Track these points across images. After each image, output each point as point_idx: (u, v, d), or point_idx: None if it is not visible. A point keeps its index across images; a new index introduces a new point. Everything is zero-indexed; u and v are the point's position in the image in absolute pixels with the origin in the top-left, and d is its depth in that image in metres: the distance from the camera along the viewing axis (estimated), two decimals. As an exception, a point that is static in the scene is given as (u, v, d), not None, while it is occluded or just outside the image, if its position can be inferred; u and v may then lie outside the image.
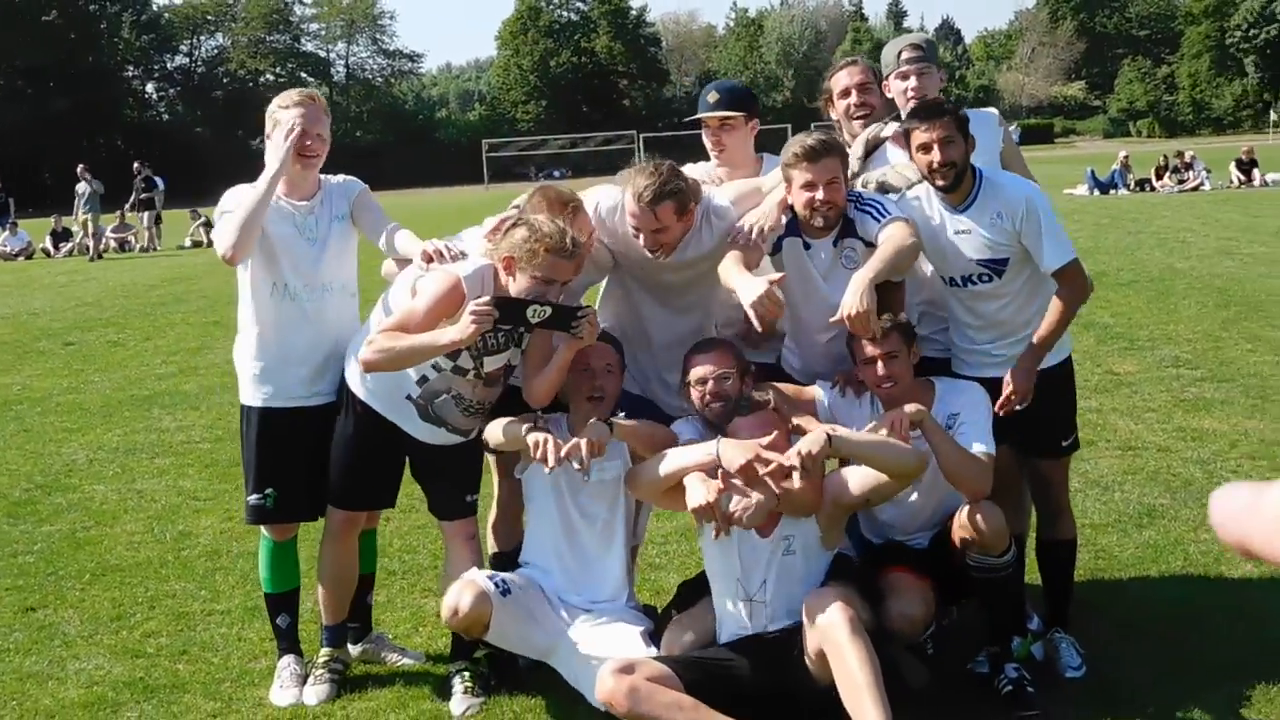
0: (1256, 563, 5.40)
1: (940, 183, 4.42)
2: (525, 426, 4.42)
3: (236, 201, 4.60)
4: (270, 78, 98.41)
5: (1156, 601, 5.20)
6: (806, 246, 4.60)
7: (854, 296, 4.16)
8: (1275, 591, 5.20)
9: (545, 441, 4.30)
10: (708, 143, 5.02)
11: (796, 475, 4.03)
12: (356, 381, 4.62)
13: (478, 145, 72.25)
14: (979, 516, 4.22)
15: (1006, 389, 4.42)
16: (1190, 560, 5.58)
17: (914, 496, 4.54)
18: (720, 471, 4.18)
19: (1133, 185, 33.14)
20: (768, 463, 4.06)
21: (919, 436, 4.28)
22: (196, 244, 31.40)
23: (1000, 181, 4.51)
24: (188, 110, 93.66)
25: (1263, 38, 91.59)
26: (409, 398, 4.55)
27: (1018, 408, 4.43)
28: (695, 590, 4.73)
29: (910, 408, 4.28)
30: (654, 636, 4.54)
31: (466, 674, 4.64)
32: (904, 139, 4.52)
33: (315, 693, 4.69)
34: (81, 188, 29.27)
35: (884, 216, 4.48)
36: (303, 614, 5.11)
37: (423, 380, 4.52)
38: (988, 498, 4.30)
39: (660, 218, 4.50)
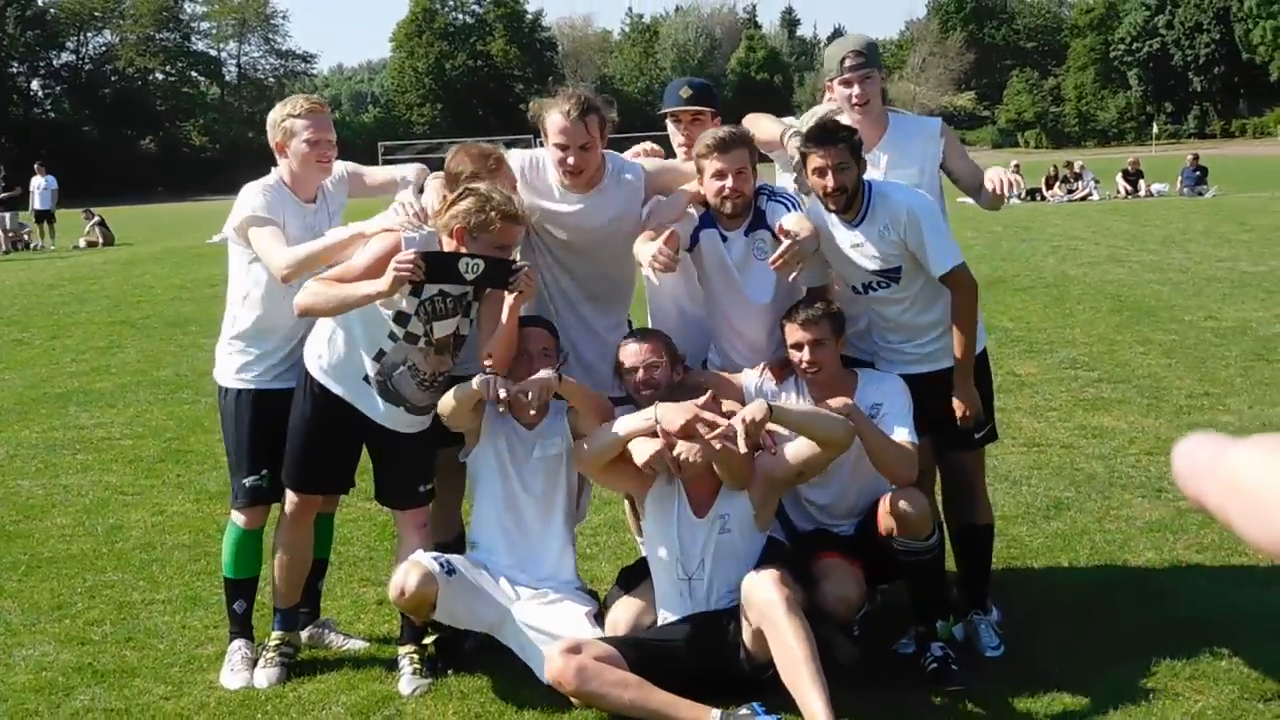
0: (1157, 549, 5.80)
1: (832, 206, 4.65)
2: (475, 378, 4.57)
3: (262, 206, 4.70)
4: (160, 76, 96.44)
5: (1066, 586, 5.52)
6: (723, 239, 4.84)
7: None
8: (1175, 575, 5.56)
9: (493, 380, 4.49)
10: (677, 136, 5.18)
11: (741, 441, 4.24)
12: (314, 364, 4.75)
13: (373, 147, 71.56)
14: (904, 503, 4.48)
15: (957, 410, 4.70)
16: (1096, 549, 5.92)
17: (843, 480, 4.80)
18: (661, 433, 4.39)
19: (1023, 194, 34.07)
20: (708, 424, 4.28)
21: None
22: (91, 244, 30.79)
23: (887, 193, 4.71)
24: (75, 108, 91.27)
25: (1145, 51, 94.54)
26: (367, 378, 4.68)
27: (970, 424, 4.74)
28: (635, 575, 4.95)
29: (837, 402, 4.53)
30: (598, 618, 4.73)
31: (415, 656, 4.78)
32: (802, 160, 4.67)
33: (265, 675, 4.79)
34: None
35: (795, 209, 4.74)
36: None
37: (379, 355, 4.65)
38: (912, 484, 4.58)
39: (589, 129, 4.70)
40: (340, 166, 5.08)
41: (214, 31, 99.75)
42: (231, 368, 4.96)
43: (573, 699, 4.30)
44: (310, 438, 4.77)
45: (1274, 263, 16.57)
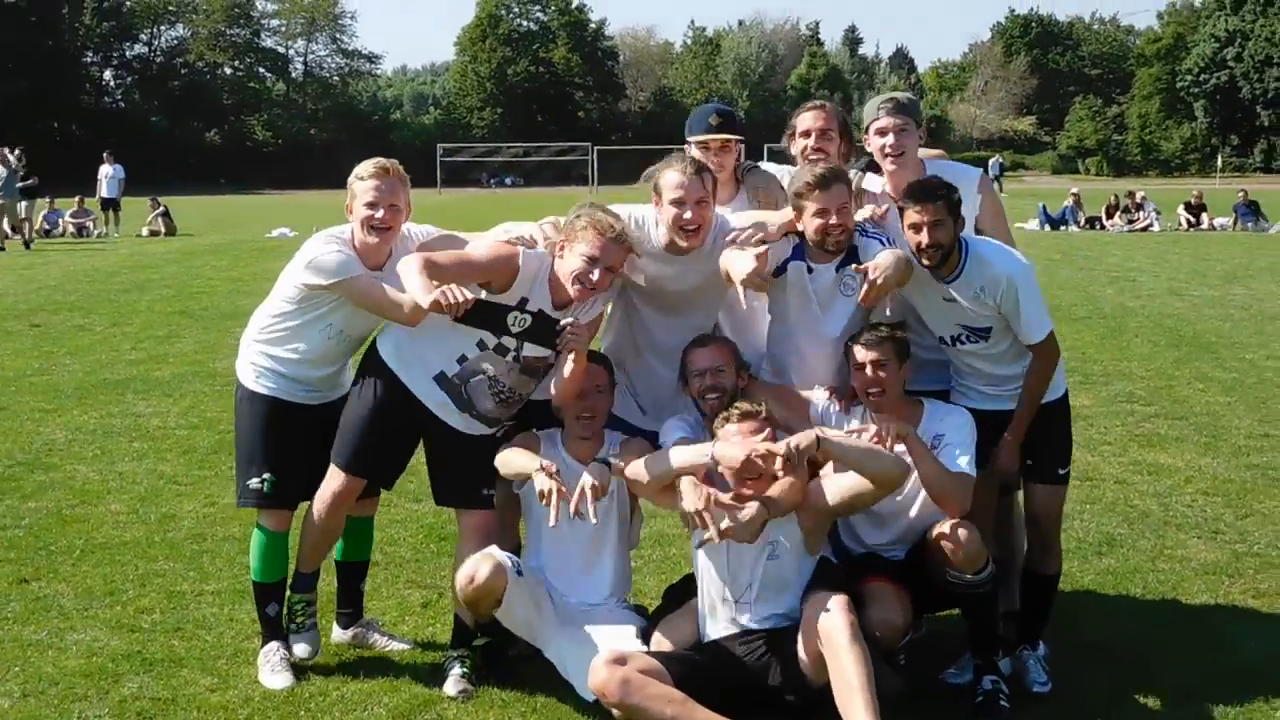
0: (1211, 591, 5.72)
1: (925, 262, 4.64)
2: (533, 465, 4.61)
3: (336, 267, 4.69)
4: (228, 71, 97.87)
5: (1115, 626, 5.46)
6: (809, 270, 4.84)
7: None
8: (1229, 620, 5.48)
9: (552, 493, 4.49)
10: (708, 163, 5.18)
11: (779, 466, 4.25)
12: (390, 351, 4.78)
13: (432, 148, 72.23)
14: (957, 535, 4.44)
15: (996, 464, 4.73)
16: (1148, 588, 5.85)
17: (896, 508, 4.77)
18: (709, 490, 4.39)
19: (1083, 222, 33.82)
20: (764, 463, 4.27)
21: (904, 451, 4.52)
22: (154, 233, 31.24)
23: (986, 257, 4.70)
24: (144, 99, 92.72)
25: (1212, 83, 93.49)
26: (444, 375, 4.70)
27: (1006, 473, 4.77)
28: (681, 593, 4.94)
29: (897, 423, 4.51)
30: (644, 635, 4.73)
31: (466, 660, 4.80)
32: (899, 212, 4.72)
33: (306, 640, 4.84)
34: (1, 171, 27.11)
35: (888, 244, 4.75)
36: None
37: (461, 359, 4.69)
38: (966, 518, 4.54)
39: (706, 185, 4.76)
40: (429, 235, 4.99)
41: (283, 29, 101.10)
42: (255, 371, 4.96)
43: (614, 710, 4.29)
44: (369, 422, 4.76)
45: (1339, 303, 16.32)
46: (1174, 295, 17.38)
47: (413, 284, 4.44)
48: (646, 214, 4.95)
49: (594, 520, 4.58)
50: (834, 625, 4.20)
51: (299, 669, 4.92)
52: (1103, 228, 33.35)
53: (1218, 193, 44.10)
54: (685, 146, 5.24)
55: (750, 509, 4.36)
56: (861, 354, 4.65)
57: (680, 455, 4.52)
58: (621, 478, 4.70)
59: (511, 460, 4.74)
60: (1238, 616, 5.51)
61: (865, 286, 4.52)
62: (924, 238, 4.58)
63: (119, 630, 5.33)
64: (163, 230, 31.41)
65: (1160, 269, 21.38)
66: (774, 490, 4.41)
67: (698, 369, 4.76)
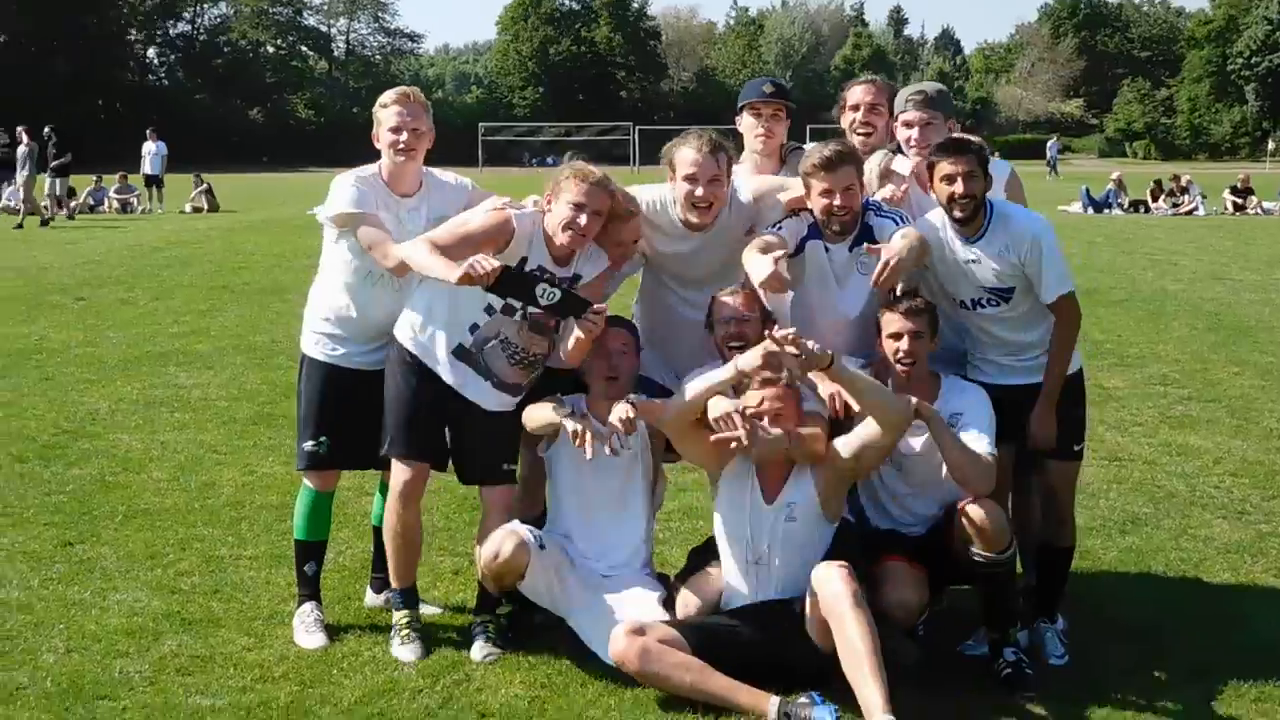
0: (1234, 570, 5.77)
1: (959, 214, 4.74)
2: (561, 412, 4.77)
3: (352, 200, 4.87)
4: (270, 49, 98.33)
5: (1136, 602, 5.52)
6: (826, 250, 4.94)
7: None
8: (1251, 599, 5.53)
9: (584, 432, 4.64)
10: (757, 129, 5.34)
11: (792, 367, 4.39)
12: (406, 334, 4.91)
13: (474, 127, 72.35)
14: (982, 515, 4.53)
15: (1033, 437, 4.81)
16: (1170, 566, 5.90)
17: (921, 480, 4.85)
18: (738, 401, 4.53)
19: (1126, 205, 33.56)
20: (779, 358, 4.39)
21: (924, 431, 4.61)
22: (197, 209, 31.59)
23: (1010, 215, 4.84)
24: (188, 77, 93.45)
25: (1264, 66, 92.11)
26: (460, 347, 4.83)
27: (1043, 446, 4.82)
28: (703, 557, 5.04)
29: (920, 401, 4.59)
30: (667, 603, 4.84)
31: (490, 626, 4.94)
32: (927, 170, 4.83)
33: (409, 651, 4.85)
34: (22, 150, 26.91)
35: (902, 224, 4.83)
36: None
37: (473, 328, 4.82)
38: (988, 497, 4.61)
39: (719, 164, 4.86)
40: (468, 183, 5.19)
41: (325, 7, 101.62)
42: (314, 339, 5.14)
43: (635, 678, 4.41)
44: (408, 406, 4.89)
45: (1381, 289, 16.18)
46: (1215, 279, 17.28)
47: (432, 265, 4.58)
48: (664, 194, 5.06)
49: (627, 448, 4.72)
50: (836, 594, 4.29)
51: (332, 630, 5.06)
52: (1146, 211, 33.07)
53: (1267, 177, 43.60)
54: (736, 117, 5.36)
55: (777, 429, 4.48)
56: (900, 324, 4.72)
57: (702, 380, 4.63)
58: (646, 418, 4.79)
59: (537, 414, 4.86)
60: (1259, 596, 5.56)
61: (880, 267, 4.59)
62: (958, 188, 4.69)
63: (159, 591, 5.50)
64: (205, 207, 31.75)
65: (1202, 253, 21.23)
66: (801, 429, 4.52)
67: (724, 317, 4.87)
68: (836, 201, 4.79)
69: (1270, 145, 76.33)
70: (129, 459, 7.70)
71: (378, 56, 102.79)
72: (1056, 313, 4.82)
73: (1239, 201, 32.98)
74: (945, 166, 4.72)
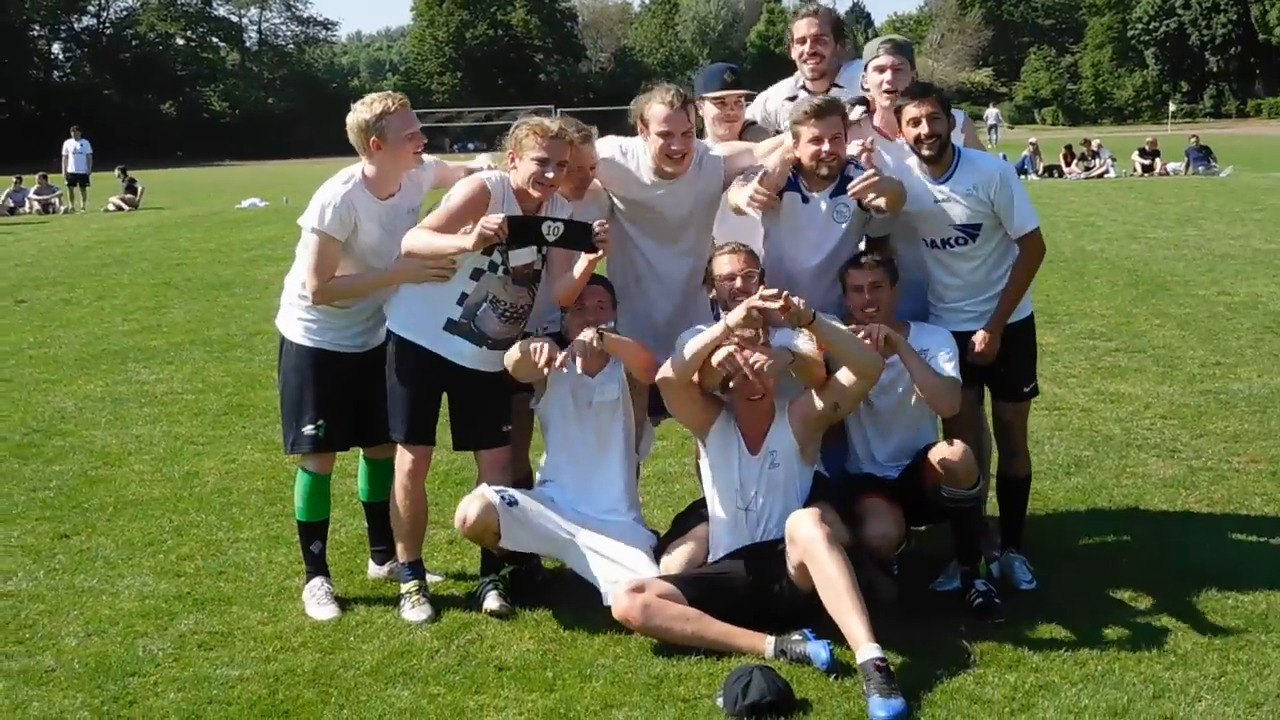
0: (1170, 503, 6.25)
1: (926, 153, 5.14)
2: (524, 339, 5.10)
3: (335, 226, 5.08)
4: (180, 41, 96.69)
5: (1085, 536, 5.98)
6: (805, 200, 5.28)
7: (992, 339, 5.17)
8: (1185, 527, 6.01)
9: (541, 346, 4.95)
10: (720, 120, 5.67)
11: (777, 312, 4.69)
12: (398, 322, 5.18)
13: (393, 115, 71.82)
14: (951, 456, 4.94)
15: (977, 344, 5.17)
16: (1113, 502, 6.38)
17: (891, 423, 5.27)
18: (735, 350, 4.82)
19: (1041, 171, 34.40)
20: (765, 310, 4.69)
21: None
22: (120, 207, 31.23)
23: (975, 157, 5.29)
24: (95, 72, 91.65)
25: (1162, 30, 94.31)
26: (451, 321, 5.10)
27: (982, 362, 5.19)
28: (689, 520, 5.40)
29: (886, 328, 4.97)
30: (656, 553, 5.19)
31: (499, 583, 5.23)
32: (895, 114, 5.22)
33: (419, 612, 5.12)
34: None
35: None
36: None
37: (461, 299, 5.10)
38: (953, 435, 5.04)
39: (690, 118, 5.21)
40: (431, 168, 5.47)
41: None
42: (299, 326, 5.32)
43: (638, 633, 4.74)
44: (409, 392, 5.17)
45: (1287, 241, 16.95)
46: (1131, 239, 17.98)
47: (444, 245, 4.92)
48: (634, 144, 5.40)
49: (595, 343, 5.00)
50: (811, 536, 4.63)
51: (342, 602, 5.32)
52: (1061, 175, 33.92)
53: (1170, 139, 44.80)
54: (698, 102, 5.63)
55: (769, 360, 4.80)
56: (859, 277, 5.13)
57: (699, 337, 4.90)
58: (617, 351, 5.10)
59: (514, 351, 5.09)
60: (1193, 524, 6.05)
61: (862, 178, 4.97)
62: (923, 129, 5.08)
63: (165, 575, 5.72)
64: (127, 205, 31.39)
65: (1117, 214, 21.99)
66: (804, 348, 4.87)
67: (725, 273, 5.13)
68: (825, 148, 5.13)
69: (1171, 107, 78.20)
70: (107, 454, 7.86)
71: (291, 46, 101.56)
72: (1023, 246, 5.21)
73: (1147, 164, 33.96)
74: (911, 109, 5.10)
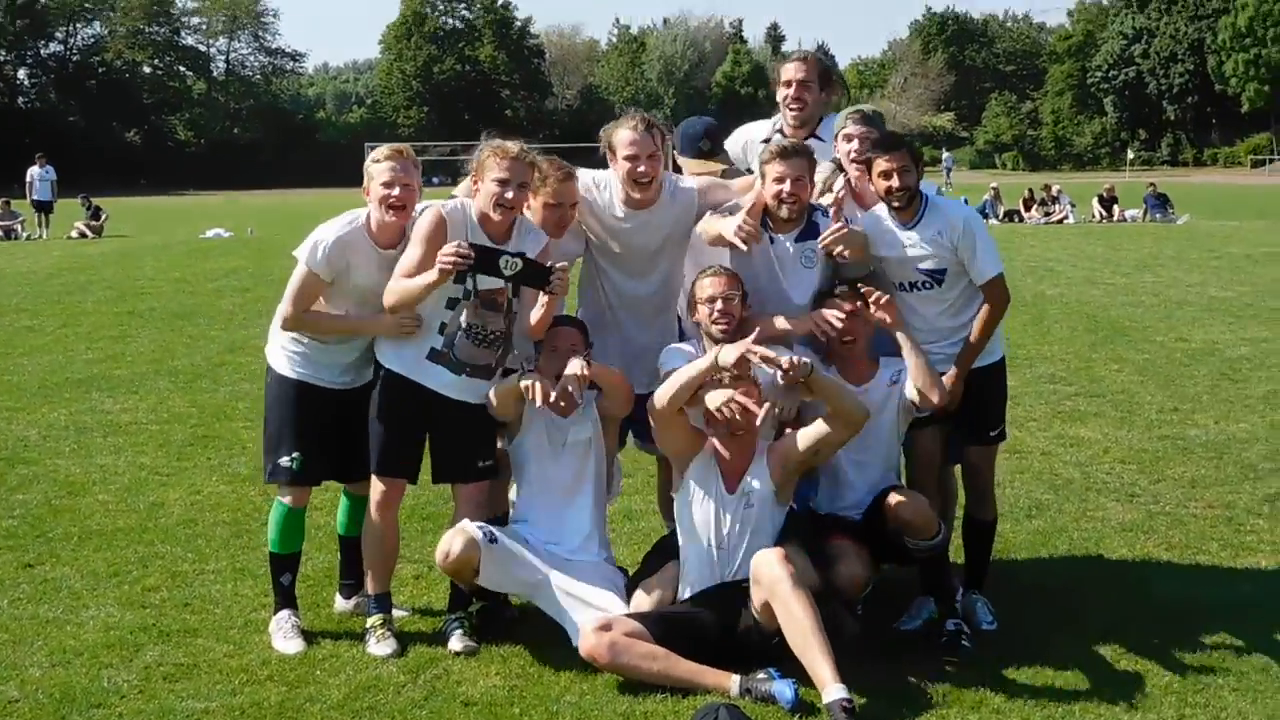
0: (1129, 546, 6.35)
1: (895, 204, 5.25)
2: (516, 375, 5.16)
3: (322, 262, 5.13)
4: (148, 69, 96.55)
5: (1047, 576, 6.07)
6: (772, 241, 5.37)
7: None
8: (1144, 570, 6.11)
9: (535, 384, 5.01)
10: (701, 175, 5.73)
11: (780, 375, 4.78)
12: (385, 354, 5.22)
13: (358, 147, 71.49)
14: (907, 510, 5.03)
15: (946, 380, 5.25)
16: (1073, 545, 6.48)
17: (857, 471, 5.34)
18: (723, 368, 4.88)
19: (1002, 215, 34.81)
20: (760, 357, 4.76)
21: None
22: (82, 234, 31.05)
23: (942, 205, 5.41)
24: (61, 98, 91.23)
25: (1121, 79, 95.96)
26: (434, 350, 5.14)
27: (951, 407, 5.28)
28: (658, 558, 5.43)
29: (806, 361, 4.95)
30: (628, 590, 5.23)
31: (465, 620, 5.26)
32: (865, 167, 5.33)
33: (385, 647, 5.12)
34: None
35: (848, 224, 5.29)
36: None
37: (442, 328, 5.15)
38: (914, 490, 5.19)
39: (655, 140, 5.30)
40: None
41: (204, 27, 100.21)
42: (284, 356, 5.36)
43: (605, 670, 4.76)
44: (390, 422, 5.19)
45: (1241, 289, 17.31)
46: (1090, 284, 18.25)
47: (413, 285, 4.98)
48: (605, 176, 5.49)
49: (579, 401, 5.11)
50: (776, 577, 4.68)
51: (309, 635, 5.31)
52: (1021, 220, 34.34)
53: (1128, 185, 45.48)
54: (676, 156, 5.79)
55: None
56: (842, 306, 5.19)
57: (688, 369, 4.95)
58: (601, 379, 5.17)
59: (497, 387, 5.19)
60: (1152, 567, 6.16)
61: (833, 230, 5.10)
62: (894, 181, 5.19)
63: (130, 606, 5.68)
64: (91, 233, 31.21)
65: (1076, 259, 22.30)
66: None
67: (706, 296, 5.19)
68: (786, 188, 5.23)
69: (1129, 154, 79.41)
70: (71, 483, 7.81)
71: (258, 76, 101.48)
72: (987, 294, 5.31)
73: (1105, 211, 34.45)
74: (881, 163, 5.22)
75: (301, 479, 5.37)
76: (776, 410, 5.04)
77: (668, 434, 5.17)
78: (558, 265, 5.07)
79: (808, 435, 5.03)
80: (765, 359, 4.76)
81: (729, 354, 4.84)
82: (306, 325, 5.22)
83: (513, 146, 5.11)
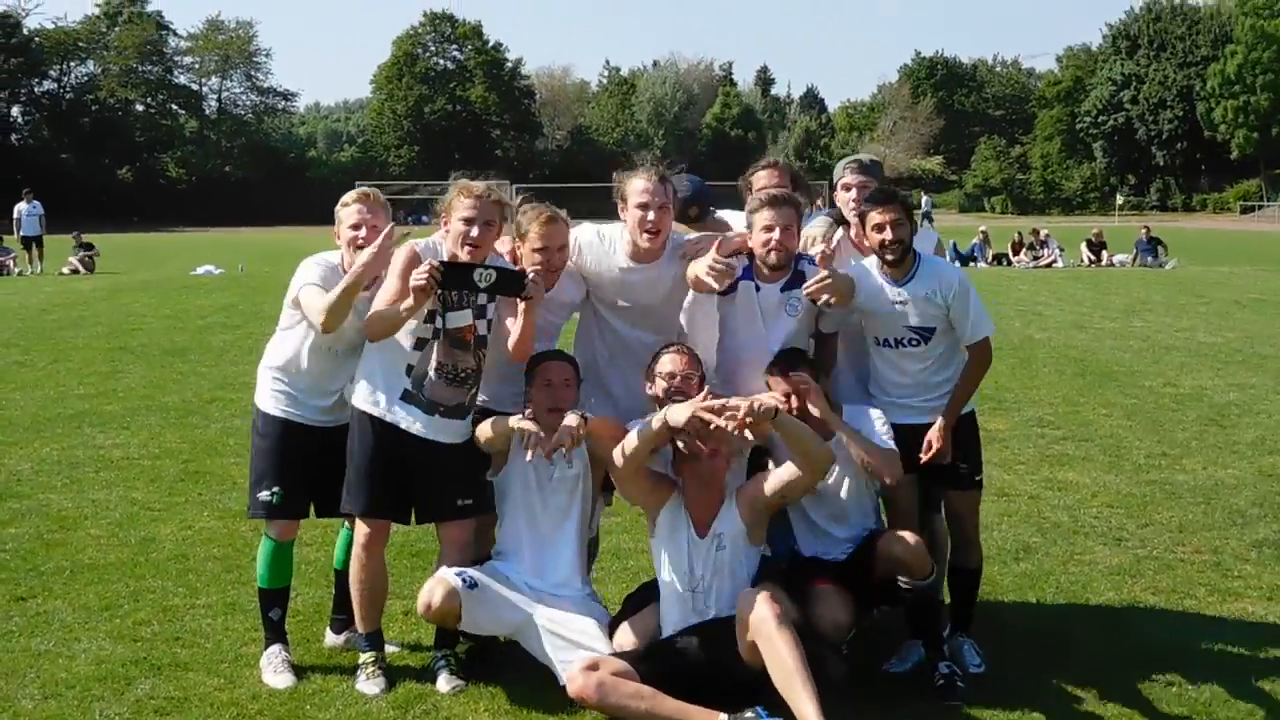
0: (1116, 590, 6.39)
1: (889, 257, 5.31)
2: (514, 418, 5.20)
3: (317, 278, 5.24)
4: (140, 108, 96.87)
5: (1034, 619, 6.10)
6: (757, 289, 5.44)
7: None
8: (1132, 614, 6.15)
9: (531, 434, 5.07)
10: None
11: (741, 413, 4.77)
12: (360, 397, 5.25)
13: (348, 185, 70.55)
14: (904, 548, 5.06)
15: (928, 449, 5.31)
16: (1060, 589, 6.51)
17: (837, 511, 5.37)
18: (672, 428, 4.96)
19: (990, 259, 35.03)
20: (708, 416, 4.80)
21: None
22: (75, 271, 31.09)
23: (937, 264, 5.48)
24: (54, 136, 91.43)
25: (1110, 125, 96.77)
26: (405, 392, 5.18)
27: (939, 460, 5.35)
28: (639, 600, 5.47)
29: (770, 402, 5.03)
30: (609, 629, 5.24)
31: (450, 658, 5.28)
32: (859, 221, 5.41)
33: (373, 685, 5.15)
34: None
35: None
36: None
37: (409, 370, 5.19)
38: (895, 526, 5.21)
39: (668, 194, 5.40)
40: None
41: (197, 66, 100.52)
42: (269, 395, 5.43)
43: (593, 710, 4.78)
44: (368, 463, 5.21)
45: (1229, 334, 17.42)
46: (1078, 328, 18.37)
47: (388, 312, 5.04)
48: (611, 230, 5.57)
49: (569, 463, 5.19)
50: (761, 617, 4.71)
51: (299, 670, 5.34)
52: (1009, 264, 34.56)
53: (1117, 230, 45.80)
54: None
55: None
56: (783, 385, 5.21)
57: (639, 430, 5.03)
58: (596, 430, 5.18)
59: (489, 428, 5.26)
60: (1139, 611, 6.19)
61: (814, 280, 5.13)
62: (887, 235, 5.25)
63: (122, 640, 5.70)
64: (81, 269, 31.26)
65: (1064, 303, 22.45)
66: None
67: (666, 372, 5.27)
68: (775, 236, 5.30)
69: (1119, 199, 79.96)
70: (63, 517, 7.82)
71: (250, 115, 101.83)
72: (973, 353, 5.39)
73: (1094, 256, 34.70)
74: (875, 216, 5.29)
75: (280, 513, 5.40)
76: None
77: (630, 488, 5.25)
78: (531, 268, 5.13)
79: (775, 479, 5.08)
80: (719, 410, 4.80)
81: (678, 414, 4.92)
82: (377, 326, 5.12)
83: (478, 186, 5.17)
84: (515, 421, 5.17)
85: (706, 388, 5.19)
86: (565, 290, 5.53)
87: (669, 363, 5.30)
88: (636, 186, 5.40)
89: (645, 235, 5.40)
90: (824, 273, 5.15)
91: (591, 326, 5.77)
